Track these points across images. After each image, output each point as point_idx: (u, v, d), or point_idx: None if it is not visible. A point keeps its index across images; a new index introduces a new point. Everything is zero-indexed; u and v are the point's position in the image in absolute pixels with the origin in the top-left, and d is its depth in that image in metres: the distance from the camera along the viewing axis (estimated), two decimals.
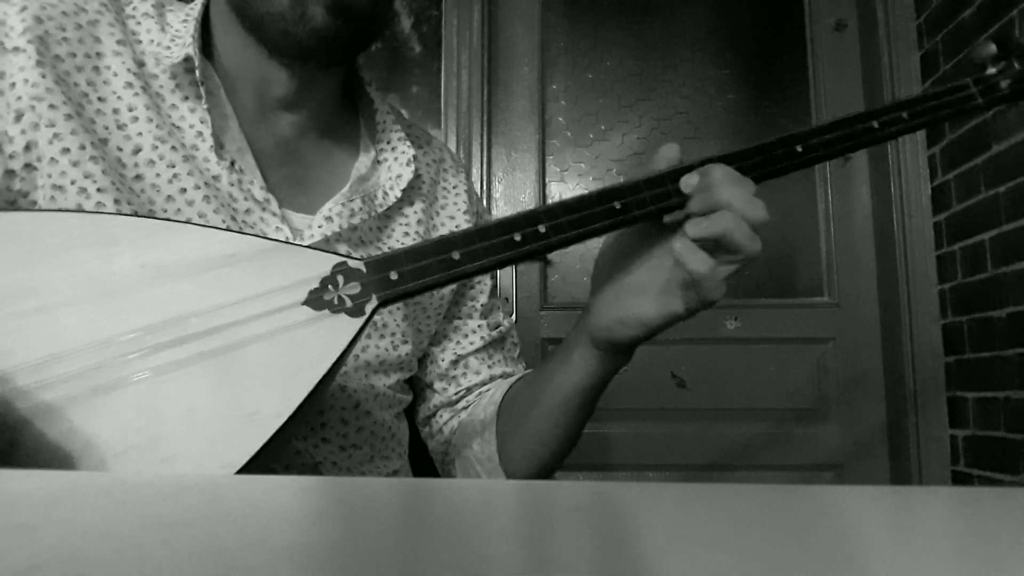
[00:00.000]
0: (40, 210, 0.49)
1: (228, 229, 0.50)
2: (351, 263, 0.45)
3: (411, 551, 0.18)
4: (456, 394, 0.67)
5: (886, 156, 1.64)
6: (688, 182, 0.48)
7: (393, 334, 0.60)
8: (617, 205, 0.48)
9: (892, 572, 0.17)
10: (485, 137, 1.68)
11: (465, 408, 0.67)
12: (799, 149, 0.51)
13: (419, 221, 0.64)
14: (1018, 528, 0.21)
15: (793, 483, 1.46)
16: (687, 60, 1.74)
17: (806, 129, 0.52)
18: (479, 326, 0.68)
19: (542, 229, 0.47)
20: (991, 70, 0.57)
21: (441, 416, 0.68)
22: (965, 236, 1.48)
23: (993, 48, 0.57)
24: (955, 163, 1.51)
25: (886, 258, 1.64)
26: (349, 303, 0.44)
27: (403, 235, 0.62)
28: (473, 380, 0.67)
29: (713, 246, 0.46)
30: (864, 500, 0.25)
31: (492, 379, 0.68)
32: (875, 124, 0.53)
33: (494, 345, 0.69)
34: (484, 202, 1.66)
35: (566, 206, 0.48)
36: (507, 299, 1.59)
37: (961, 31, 1.49)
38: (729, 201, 0.46)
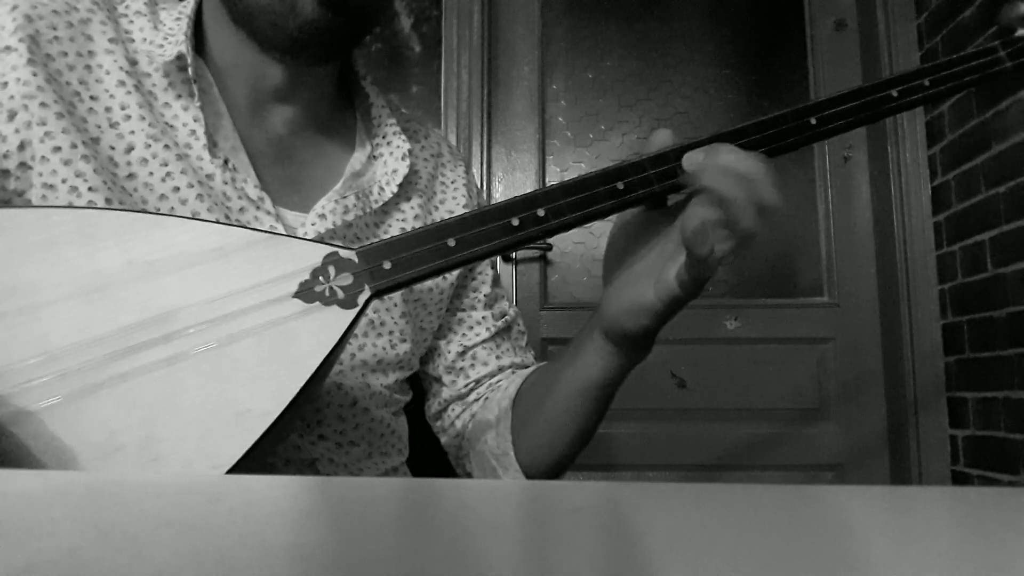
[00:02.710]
0: (22, 207, 0.49)
1: (216, 221, 0.49)
2: (343, 253, 0.44)
3: (410, 551, 0.18)
4: (466, 386, 0.66)
5: (886, 156, 1.64)
6: (693, 159, 0.46)
7: (391, 332, 0.60)
8: (620, 186, 0.46)
9: (892, 572, 0.17)
10: (485, 137, 1.68)
11: (476, 400, 0.66)
12: (813, 121, 0.49)
13: (416, 216, 0.64)
14: (1018, 528, 0.21)
15: (793, 483, 1.46)
16: (687, 60, 1.74)
17: (822, 99, 0.49)
18: (484, 317, 0.67)
19: (541, 213, 0.45)
20: (1021, 32, 0.53)
21: (452, 410, 0.67)
22: (965, 236, 1.48)
23: (1022, 9, 0.53)
24: (955, 163, 1.51)
25: (886, 258, 1.64)
26: (341, 295, 0.43)
27: (400, 231, 0.62)
28: (482, 371, 0.66)
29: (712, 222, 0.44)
30: (864, 500, 0.25)
31: (501, 370, 0.67)
32: (894, 93, 0.50)
33: (501, 335, 0.68)
34: (484, 200, 1.66)
35: (566, 188, 0.46)
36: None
37: (961, 31, 1.49)
38: (744, 172, 0.44)
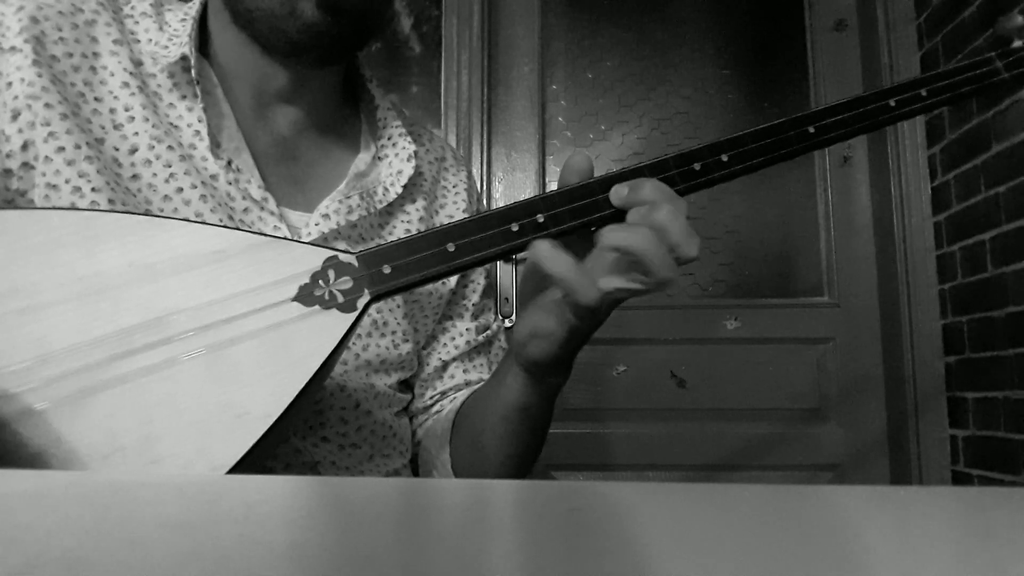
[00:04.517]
0: (24, 208, 0.49)
1: (217, 224, 0.49)
2: (342, 257, 0.44)
3: (410, 551, 0.18)
4: (431, 398, 0.66)
5: (886, 156, 1.64)
6: (619, 193, 0.45)
7: (394, 332, 0.60)
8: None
9: (892, 572, 0.17)
10: (485, 137, 1.67)
11: (437, 412, 0.66)
12: (812, 130, 0.49)
13: (421, 218, 0.64)
14: (1018, 528, 0.21)
15: (793, 483, 1.46)
16: (687, 60, 1.74)
17: (821, 108, 0.49)
18: (467, 328, 0.67)
19: (540, 219, 0.45)
20: (1017, 43, 0.53)
21: (415, 420, 0.67)
22: (965, 236, 1.48)
23: (1020, 20, 0.53)
24: (955, 163, 1.51)
25: (886, 258, 1.64)
26: (340, 298, 0.43)
27: (404, 232, 0.62)
28: (448, 384, 0.66)
29: (627, 262, 0.43)
30: (864, 500, 0.25)
31: (468, 384, 0.66)
32: (892, 103, 0.50)
33: (478, 349, 0.68)
34: (484, 202, 1.66)
35: (566, 195, 0.46)
36: (507, 299, 1.59)
37: (961, 31, 1.49)
38: (664, 225, 0.42)
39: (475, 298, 0.68)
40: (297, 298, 0.43)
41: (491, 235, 0.45)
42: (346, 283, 0.44)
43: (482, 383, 0.66)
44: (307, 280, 0.43)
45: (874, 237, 1.68)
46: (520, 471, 0.58)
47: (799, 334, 1.65)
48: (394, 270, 0.44)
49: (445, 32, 1.70)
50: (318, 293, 0.43)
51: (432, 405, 0.66)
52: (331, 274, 0.44)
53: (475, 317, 0.68)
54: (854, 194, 1.71)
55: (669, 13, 1.76)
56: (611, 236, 0.43)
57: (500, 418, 0.55)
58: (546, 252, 0.43)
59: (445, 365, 0.66)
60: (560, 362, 0.50)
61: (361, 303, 0.43)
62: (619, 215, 0.47)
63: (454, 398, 0.66)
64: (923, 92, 0.51)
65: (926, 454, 1.53)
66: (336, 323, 0.43)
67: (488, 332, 0.69)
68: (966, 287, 1.48)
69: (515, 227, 0.45)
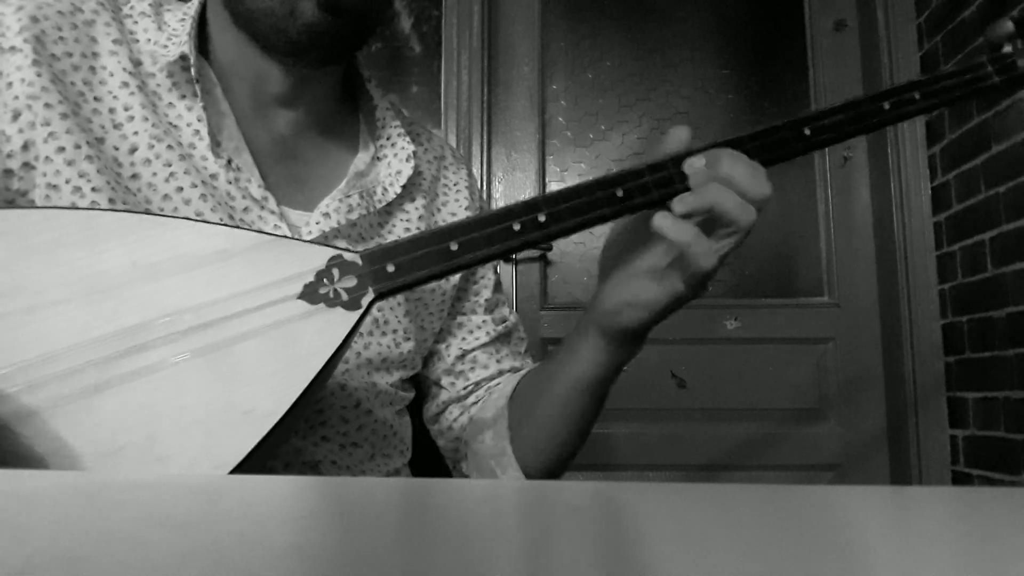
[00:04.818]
0: (27, 207, 0.49)
1: (220, 223, 0.50)
2: (347, 256, 0.44)
3: (411, 551, 0.18)
4: (465, 388, 0.66)
5: (886, 156, 1.64)
6: (693, 164, 0.48)
7: (395, 331, 0.60)
8: (619, 192, 0.47)
9: (892, 572, 0.17)
10: (485, 137, 1.68)
11: (475, 403, 0.66)
12: (807, 132, 0.50)
13: (420, 217, 0.64)
14: (1018, 528, 0.21)
15: (793, 483, 1.46)
16: (687, 60, 1.74)
17: (816, 111, 0.51)
18: (484, 321, 0.67)
19: (541, 218, 0.46)
20: (1007, 48, 0.55)
21: (451, 412, 0.67)
22: (965, 236, 1.48)
23: (1010, 26, 0.55)
24: (955, 163, 1.51)
25: (886, 258, 1.64)
26: (345, 296, 0.43)
27: (404, 231, 0.62)
28: (482, 374, 0.66)
29: (709, 222, 0.46)
30: (864, 500, 0.25)
31: (501, 373, 0.67)
32: (886, 105, 0.51)
33: (501, 339, 0.68)
34: (485, 200, 1.66)
35: (566, 194, 0.47)
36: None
37: (961, 31, 1.49)
38: (728, 175, 0.46)
39: (487, 293, 0.68)
40: (302, 296, 0.43)
41: (493, 233, 0.45)
42: (350, 281, 0.44)
43: (517, 371, 0.67)
44: (312, 278, 0.43)
45: (874, 237, 1.68)
46: (576, 449, 0.60)
47: (799, 334, 1.65)
48: (398, 268, 0.44)
49: (445, 32, 1.70)
50: (323, 291, 0.43)
51: (467, 396, 0.66)
52: (335, 272, 0.44)
53: (489, 311, 0.68)
54: (854, 194, 1.71)
55: (669, 13, 1.76)
56: (683, 203, 0.46)
57: (572, 392, 0.56)
58: (669, 222, 0.45)
59: (466, 354, 0.66)
60: (646, 330, 0.52)
61: (365, 301, 0.44)
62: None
63: (489, 387, 0.66)
64: (916, 95, 0.52)
65: (926, 454, 1.53)
66: (341, 321, 0.43)
67: (507, 323, 0.69)
68: (966, 287, 1.48)
69: (517, 225, 0.46)
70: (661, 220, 0.46)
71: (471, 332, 0.67)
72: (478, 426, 0.64)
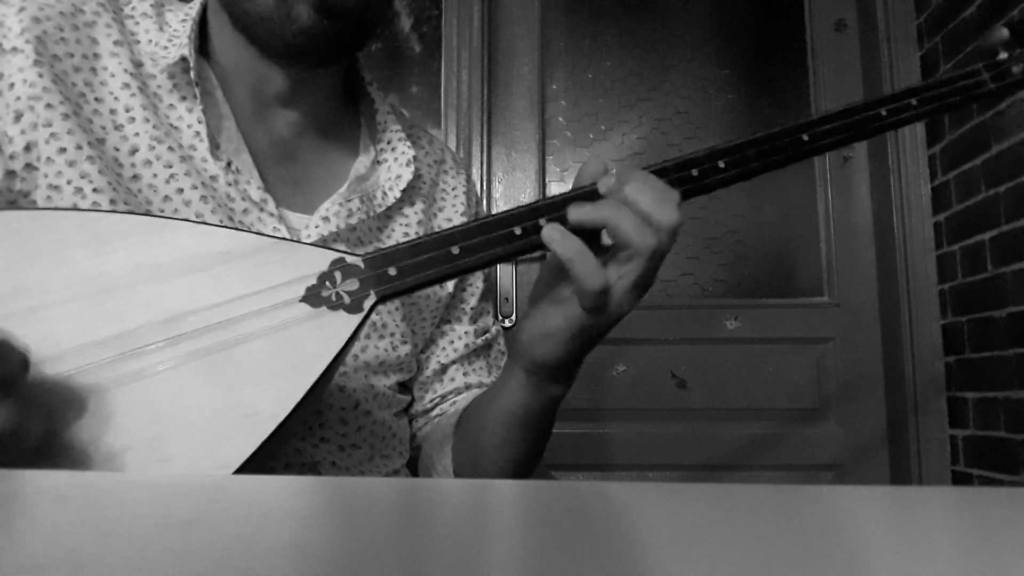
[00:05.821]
0: (32, 209, 0.49)
1: (223, 226, 0.50)
2: (349, 259, 0.45)
3: (410, 551, 0.18)
4: (431, 401, 0.66)
5: (886, 156, 1.64)
6: (606, 181, 0.46)
7: (392, 335, 0.60)
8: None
9: (892, 572, 0.17)
10: (485, 137, 1.67)
11: (438, 416, 0.66)
12: (806, 138, 0.50)
13: (419, 222, 0.64)
14: (1018, 528, 0.21)
15: (793, 483, 1.46)
16: (687, 60, 1.74)
17: (814, 117, 0.51)
18: (466, 332, 0.67)
19: (543, 223, 0.46)
20: (1003, 55, 0.55)
21: (415, 424, 0.67)
22: (965, 236, 1.48)
23: (1005, 33, 0.55)
24: (955, 163, 1.51)
25: (886, 258, 1.64)
26: (347, 300, 0.44)
27: (403, 235, 0.62)
28: (448, 387, 0.66)
29: (606, 247, 0.44)
30: (864, 500, 0.25)
31: (468, 387, 0.66)
32: (883, 112, 0.52)
33: (477, 352, 0.68)
34: (484, 202, 1.66)
35: (568, 199, 0.47)
36: (507, 299, 1.59)
37: (961, 31, 1.49)
38: (630, 195, 0.44)
39: (473, 301, 0.68)
40: (304, 299, 0.43)
41: (495, 238, 0.46)
42: (353, 284, 0.44)
43: (483, 387, 0.66)
44: (314, 281, 0.44)
45: (874, 237, 1.68)
46: (519, 476, 0.58)
47: (799, 334, 1.65)
48: (399, 272, 0.45)
49: (445, 32, 1.70)
50: (325, 294, 0.43)
51: (432, 408, 0.66)
52: (338, 276, 0.44)
53: (473, 320, 0.68)
54: (854, 194, 1.71)
55: (669, 13, 1.76)
56: (577, 212, 0.44)
57: (500, 424, 0.54)
58: (557, 235, 0.44)
59: (444, 368, 0.66)
60: (563, 366, 0.49)
61: (367, 304, 0.44)
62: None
63: (454, 402, 0.66)
64: (913, 102, 0.53)
65: (926, 454, 1.53)
66: (343, 324, 0.43)
67: (487, 335, 0.69)
68: (966, 287, 1.48)
69: (518, 230, 0.46)
70: (550, 231, 0.44)
71: (451, 343, 0.66)
72: (431, 443, 0.64)
